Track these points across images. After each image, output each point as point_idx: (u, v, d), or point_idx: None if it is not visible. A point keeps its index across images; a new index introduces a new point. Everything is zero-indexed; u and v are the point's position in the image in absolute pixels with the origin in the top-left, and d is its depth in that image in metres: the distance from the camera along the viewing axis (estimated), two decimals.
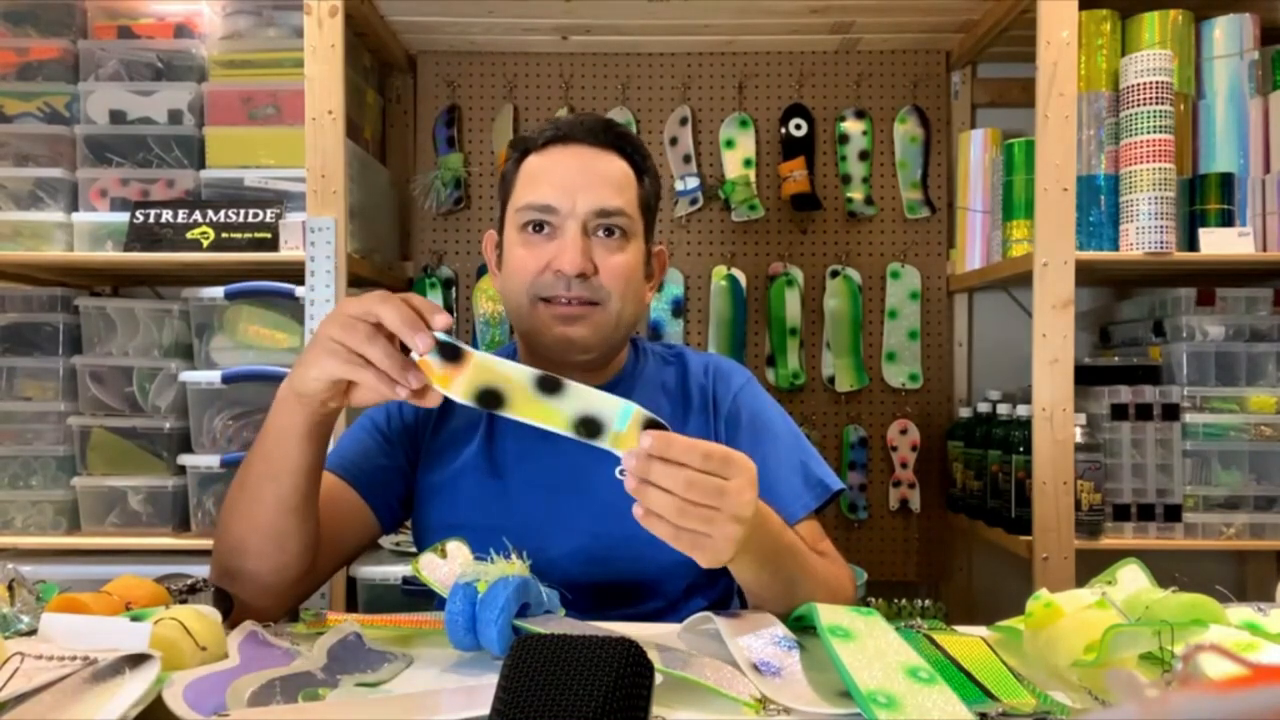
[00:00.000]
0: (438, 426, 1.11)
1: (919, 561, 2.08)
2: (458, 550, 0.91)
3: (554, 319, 1.02)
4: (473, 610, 0.78)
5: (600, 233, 1.03)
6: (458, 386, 0.80)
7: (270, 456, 0.90)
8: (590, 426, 0.78)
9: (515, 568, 0.81)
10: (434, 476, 1.09)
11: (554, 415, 0.79)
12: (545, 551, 0.95)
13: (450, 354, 0.80)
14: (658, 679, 0.65)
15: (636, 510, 0.76)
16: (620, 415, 0.78)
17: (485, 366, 0.80)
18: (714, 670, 0.74)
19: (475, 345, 2.05)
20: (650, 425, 0.77)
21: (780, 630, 0.83)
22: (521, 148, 1.09)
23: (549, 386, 0.79)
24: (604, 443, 0.78)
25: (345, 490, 1.05)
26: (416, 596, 1.60)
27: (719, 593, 1.11)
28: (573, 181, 1.03)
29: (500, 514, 1.05)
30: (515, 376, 0.80)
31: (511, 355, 1.16)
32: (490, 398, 0.80)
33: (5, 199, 1.74)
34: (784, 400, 1.67)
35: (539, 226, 1.03)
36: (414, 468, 1.11)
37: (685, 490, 0.74)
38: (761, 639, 0.81)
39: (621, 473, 0.77)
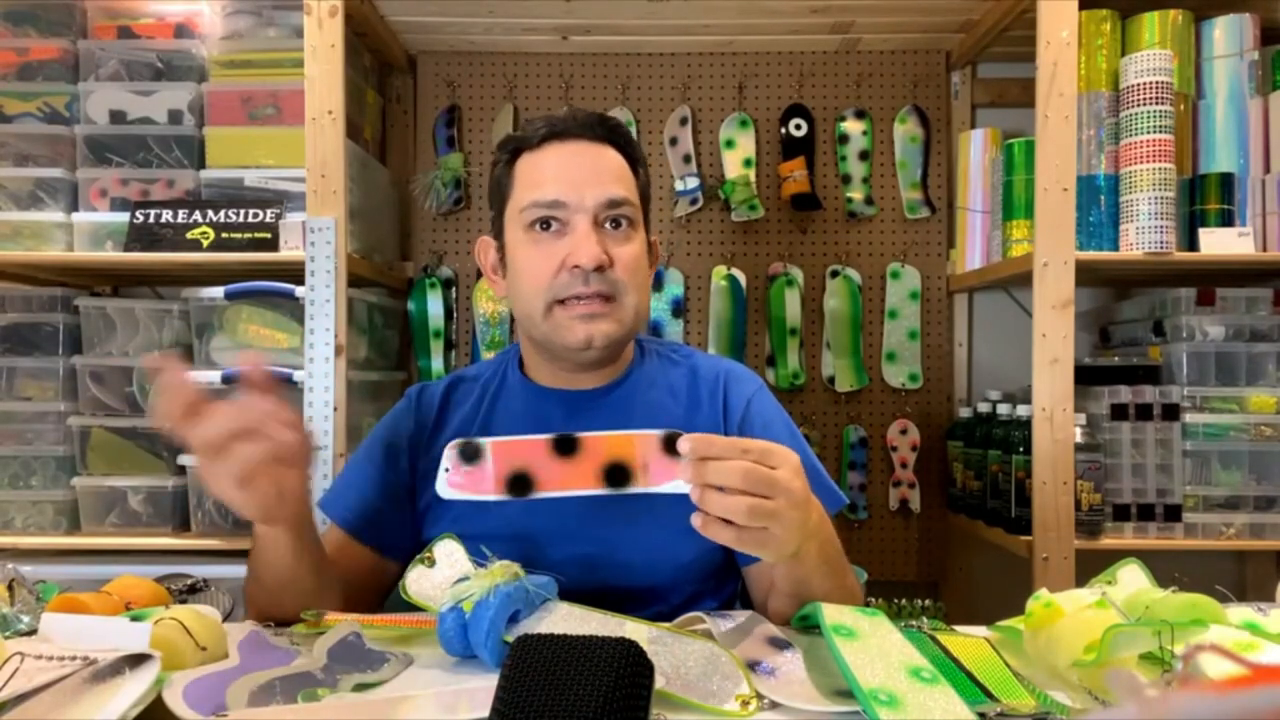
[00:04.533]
0: (432, 441, 1.10)
1: (919, 561, 2.08)
2: (447, 552, 0.91)
3: (574, 320, 1.00)
4: (463, 632, 0.79)
5: (609, 225, 1.02)
6: (490, 485, 0.80)
7: (269, 570, 0.91)
8: (618, 475, 0.79)
9: (505, 573, 0.81)
10: (432, 489, 1.09)
11: (582, 478, 0.79)
12: (545, 557, 0.95)
13: (471, 455, 0.81)
14: (659, 681, 0.65)
15: (696, 519, 0.75)
16: (639, 449, 0.78)
17: (505, 449, 0.81)
18: (706, 669, 0.74)
19: (475, 346, 2.06)
20: (668, 441, 0.78)
21: (772, 631, 0.83)
22: (512, 147, 1.07)
23: (565, 448, 0.80)
24: (638, 484, 0.79)
25: (349, 543, 1.06)
26: None
27: (723, 599, 1.10)
28: (577, 175, 1.01)
29: (498, 522, 1.04)
30: (533, 450, 0.80)
31: (514, 357, 1.16)
32: (519, 483, 0.80)
33: (5, 199, 1.74)
34: (784, 400, 1.67)
35: (546, 224, 1.02)
36: (414, 492, 1.10)
37: (742, 483, 0.74)
38: (754, 640, 0.81)
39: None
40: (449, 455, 0.81)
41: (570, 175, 1.02)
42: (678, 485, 0.77)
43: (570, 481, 0.79)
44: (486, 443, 0.81)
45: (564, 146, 1.04)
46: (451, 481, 0.81)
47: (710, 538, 0.76)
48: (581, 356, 1.03)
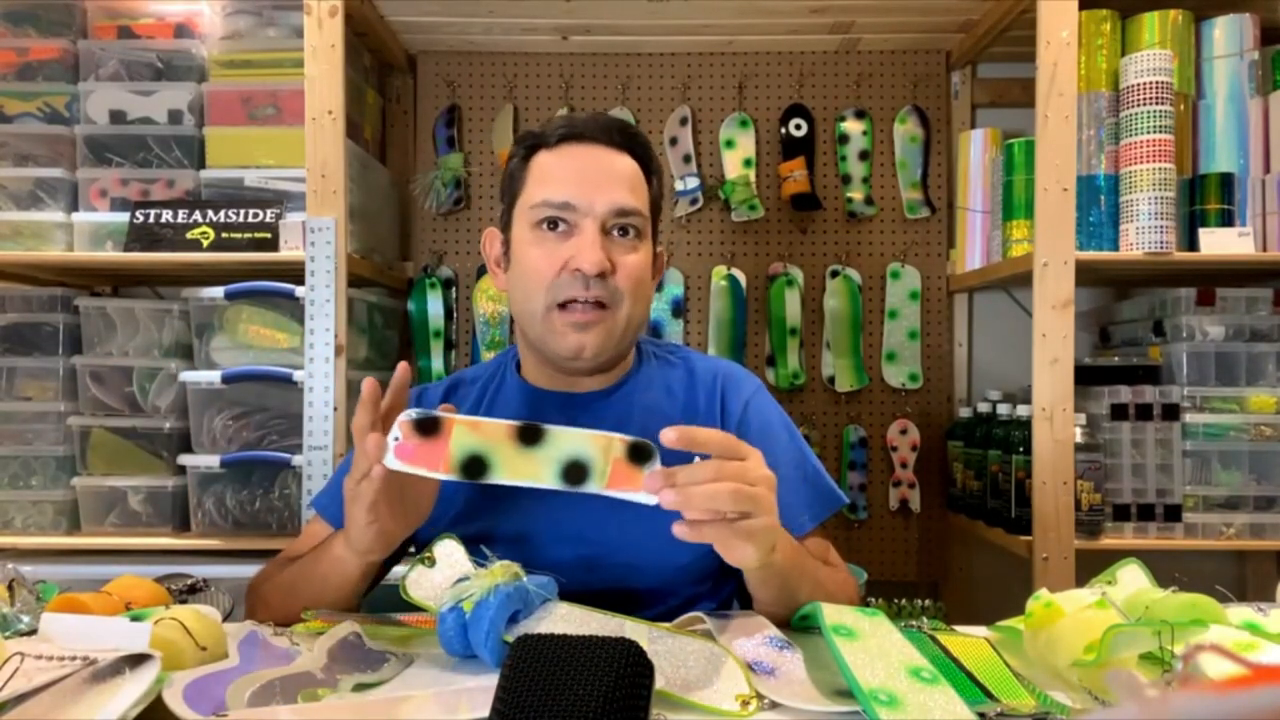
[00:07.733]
0: None
1: (919, 561, 2.08)
2: (447, 552, 0.91)
3: (568, 326, 1.00)
4: (463, 632, 0.79)
5: (616, 232, 1.01)
6: (442, 462, 0.79)
7: (327, 589, 0.95)
8: (576, 472, 0.78)
9: (505, 573, 0.81)
10: None
11: (539, 469, 0.78)
12: (544, 559, 0.95)
13: (428, 428, 0.79)
14: (659, 681, 0.65)
15: (679, 529, 0.77)
16: (603, 453, 0.78)
17: (465, 429, 0.79)
18: (706, 669, 0.74)
19: (475, 346, 2.06)
20: (634, 450, 0.78)
21: (772, 631, 0.83)
22: (530, 143, 1.06)
23: (530, 437, 0.79)
24: (592, 486, 0.78)
25: None
26: None
27: (720, 600, 1.10)
28: (590, 179, 1.01)
29: (496, 523, 1.04)
30: (495, 433, 0.79)
31: (512, 359, 1.15)
32: (475, 465, 0.79)
33: (5, 199, 1.74)
34: (784, 400, 1.68)
35: (554, 224, 1.01)
36: None
37: (719, 486, 0.76)
38: (754, 640, 0.81)
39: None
40: (401, 424, 0.79)
41: (583, 178, 1.01)
42: (639, 496, 0.77)
43: (526, 472, 0.79)
44: (446, 418, 0.79)
45: (580, 149, 1.03)
46: (400, 451, 0.80)
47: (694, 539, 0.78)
48: (572, 365, 1.04)
